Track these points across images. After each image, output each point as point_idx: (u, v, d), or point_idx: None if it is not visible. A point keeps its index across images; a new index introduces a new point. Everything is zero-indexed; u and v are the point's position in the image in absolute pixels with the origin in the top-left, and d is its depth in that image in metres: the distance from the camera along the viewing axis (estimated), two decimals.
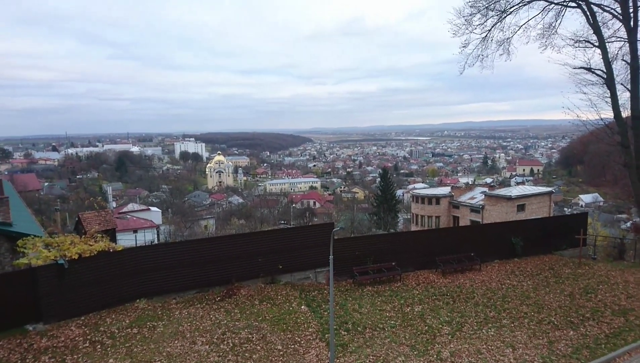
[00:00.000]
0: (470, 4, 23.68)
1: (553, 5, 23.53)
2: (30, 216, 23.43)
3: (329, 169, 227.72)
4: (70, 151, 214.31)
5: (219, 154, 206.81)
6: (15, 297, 13.67)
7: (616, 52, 23.25)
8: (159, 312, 15.38)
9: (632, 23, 21.71)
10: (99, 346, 12.93)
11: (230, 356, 12.42)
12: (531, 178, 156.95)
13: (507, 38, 24.60)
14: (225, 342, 13.21)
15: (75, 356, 12.28)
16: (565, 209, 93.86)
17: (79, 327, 14.00)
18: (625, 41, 22.46)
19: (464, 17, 24.04)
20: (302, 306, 16.22)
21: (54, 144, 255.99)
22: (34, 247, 14.68)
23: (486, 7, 23.51)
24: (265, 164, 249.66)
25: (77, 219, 25.26)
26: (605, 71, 22.61)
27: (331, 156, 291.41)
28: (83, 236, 16.65)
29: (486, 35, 24.49)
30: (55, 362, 11.93)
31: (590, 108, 23.11)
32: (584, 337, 14.08)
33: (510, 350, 13.10)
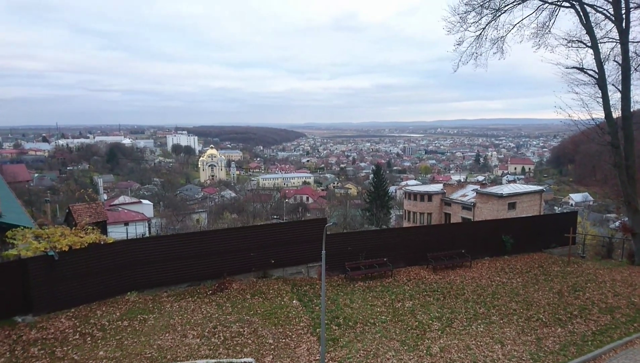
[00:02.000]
0: (465, 1, 23.70)
1: (547, 4, 23.64)
2: (20, 207, 23.18)
3: (323, 165, 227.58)
4: (61, 142, 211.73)
5: (211, 147, 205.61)
6: (4, 288, 13.53)
7: (608, 52, 23.44)
8: (150, 305, 15.34)
9: (624, 24, 21.87)
10: (89, 338, 12.87)
11: (221, 349, 12.43)
12: (522, 177, 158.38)
13: (501, 37, 24.72)
14: (217, 336, 13.22)
15: (65, 348, 12.22)
16: (556, 208, 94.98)
17: (69, 319, 13.92)
18: (617, 42, 22.64)
19: (458, 14, 24.09)
20: (294, 301, 16.26)
21: (44, 135, 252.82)
22: (23, 238, 14.53)
23: (481, 5, 23.56)
24: (258, 159, 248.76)
25: (67, 211, 25.00)
26: (597, 71, 22.78)
27: (325, 152, 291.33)
28: (73, 228, 16.51)
29: (480, 34, 24.57)
30: (44, 353, 11.85)
31: (582, 108, 23.30)
32: (572, 334, 14.28)
33: (499, 346, 13.26)
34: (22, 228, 15.30)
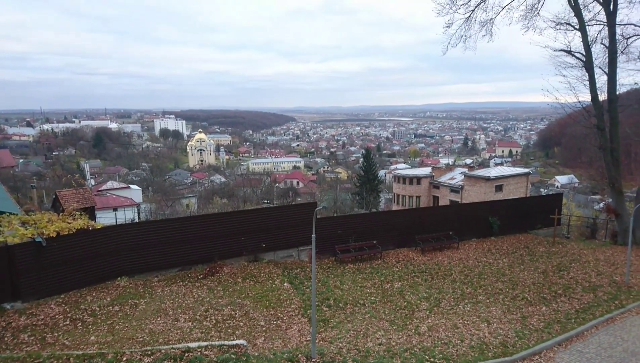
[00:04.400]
0: None
1: None
2: (5, 193, 22.83)
3: (313, 149, 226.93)
4: (46, 126, 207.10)
5: (200, 132, 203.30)
6: None
7: (596, 35, 23.55)
8: (141, 290, 15.35)
9: (611, 6, 21.93)
10: (79, 324, 12.87)
11: (213, 332, 12.55)
12: (510, 159, 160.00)
13: (490, 19, 24.65)
14: (208, 319, 13.32)
15: (56, 334, 12.21)
16: (542, 189, 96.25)
17: (59, 305, 13.88)
18: (604, 25, 22.72)
19: None
20: (285, 284, 16.41)
21: (28, 119, 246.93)
22: (9, 225, 14.35)
23: None
24: (247, 143, 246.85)
25: (54, 196, 24.63)
26: (584, 53, 22.90)
27: (315, 136, 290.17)
28: (61, 214, 16.33)
29: (470, 16, 24.46)
30: (35, 339, 11.84)
31: (569, 91, 23.52)
32: (556, 312, 14.68)
33: (485, 324, 13.59)
34: (8, 214, 15.11)
